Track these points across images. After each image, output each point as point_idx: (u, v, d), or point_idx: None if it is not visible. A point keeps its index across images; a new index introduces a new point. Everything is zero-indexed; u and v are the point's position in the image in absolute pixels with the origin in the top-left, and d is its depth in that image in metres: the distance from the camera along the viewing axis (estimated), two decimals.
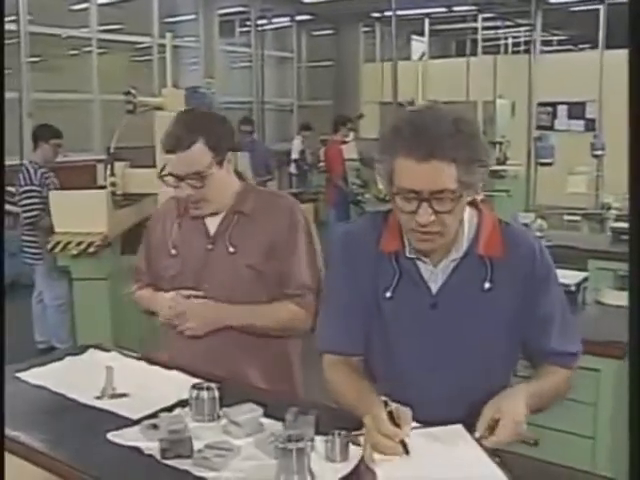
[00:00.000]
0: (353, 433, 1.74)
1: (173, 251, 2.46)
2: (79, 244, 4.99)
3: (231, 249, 2.39)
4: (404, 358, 1.91)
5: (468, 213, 1.87)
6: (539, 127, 12.33)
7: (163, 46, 7.37)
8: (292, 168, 12.04)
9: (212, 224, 2.44)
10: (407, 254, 1.88)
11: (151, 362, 2.39)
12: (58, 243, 5.05)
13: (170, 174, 2.34)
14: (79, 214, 5.06)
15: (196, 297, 2.39)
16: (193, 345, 2.40)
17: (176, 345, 2.45)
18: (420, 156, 1.68)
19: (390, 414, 1.63)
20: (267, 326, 2.42)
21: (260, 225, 2.41)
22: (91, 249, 4.98)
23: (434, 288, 1.87)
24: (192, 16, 13.68)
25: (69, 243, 5.01)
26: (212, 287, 2.40)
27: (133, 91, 5.34)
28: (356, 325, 1.94)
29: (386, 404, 1.65)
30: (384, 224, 1.94)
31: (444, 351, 1.88)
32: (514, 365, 2.04)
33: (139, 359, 2.43)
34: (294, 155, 11.97)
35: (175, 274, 2.45)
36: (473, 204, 1.90)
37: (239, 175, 2.52)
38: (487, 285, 1.85)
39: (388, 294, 1.88)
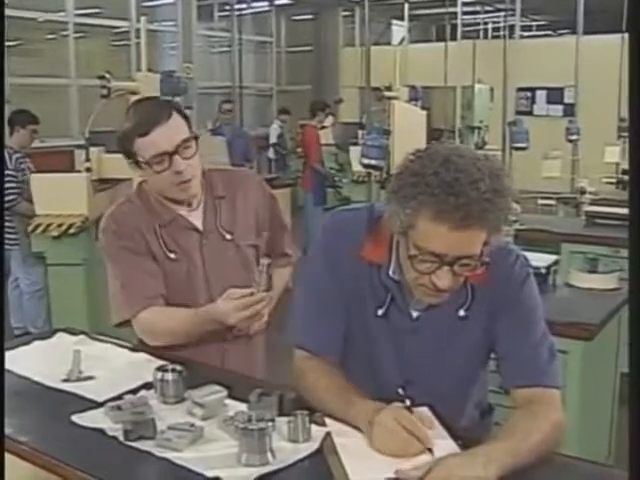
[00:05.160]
0: (315, 414, 1.76)
1: (172, 255, 2.29)
2: (60, 225, 5.09)
3: (228, 236, 2.34)
4: (380, 370, 1.90)
5: None
6: (518, 112, 12.36)
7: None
8: (270, 153, 12.02)
9: (195, 218, 2.34)
10: (391, 274, 1.82)
11: (119, 345, 2.39)
12: (39, 225, 5.12)
13: (157, 155, 2.17)
14: (60, 197, 5.15)
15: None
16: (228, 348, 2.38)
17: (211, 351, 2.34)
18: (454, 224, 1.53)
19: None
20: (280, 292, 2.53)
21: (240, 203, 2.39)
22: (72, 230, 5.09)
23: (414, 313, 1.85)
24: (170, 0, 13.58)
25: (50, 225, 5.10)
26: (224, 278, 2.30)
27: (107, 75, 5.30)
28: (338, 327, 1.89)
29: (408, 409, 1.64)
30: (372, 228, 1.83)
31: (422, 368, 1.88)
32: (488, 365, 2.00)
33: (107, 342, 2.43)
34: (272, 140, 11.95)
35: (182, 278, 2.30)
36: None
37: None
38: (462, 313, 1.81)
39: (380, 312, 1.83)
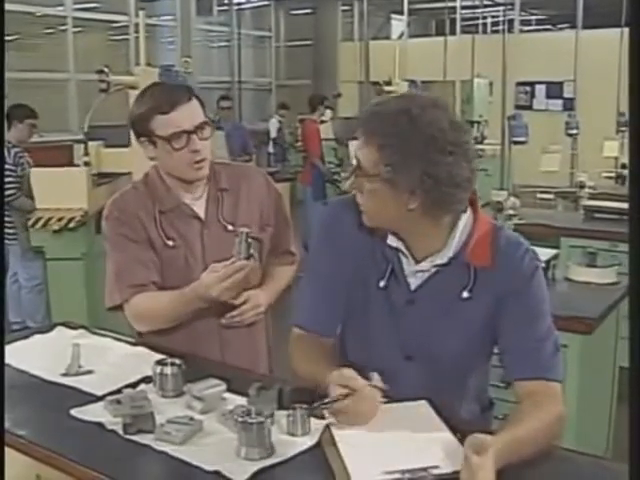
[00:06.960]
0: (314, 405, 1.76)
1: (170, 242, 2.31)
2: (60, 219, 5.09)
3: (229, 227, 2.34)
4: (381, 345, 1.92)
5: (464, 217, 1.81)
6: (517, 106, 12.38)
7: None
8: (270, 147, 12.01)
9: (198, 207, 2.36)
10: (388, 242, 1.85)
11: (118, 339, 2.39)
12: (39, 219, 5.13)
13: (176, 133, 2.21)
14: (60, 191, 5.17)
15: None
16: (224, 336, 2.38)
17: (207, 337, 2.35)
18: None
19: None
20: (281, 288, 2.52)
21: (244, 197, 2.41)
22: (72, 224, 5.10)
23: (413, 285, 1.86)
24: None
25: (50, 219, 5.11)
26: None
27: (106, 70, 5.28)
28: (337, 307, 1.93)
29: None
30: None
31: (420, 344, 1.88)
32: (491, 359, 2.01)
33: (106, 337, 2.43)
34: (272, 134, 11.94)
35: (181, 265, 2.31)
36: (471, 206, 1.83)
37: None
38: (465, 294, 1.82)
39: (382, 283, 1.86)
